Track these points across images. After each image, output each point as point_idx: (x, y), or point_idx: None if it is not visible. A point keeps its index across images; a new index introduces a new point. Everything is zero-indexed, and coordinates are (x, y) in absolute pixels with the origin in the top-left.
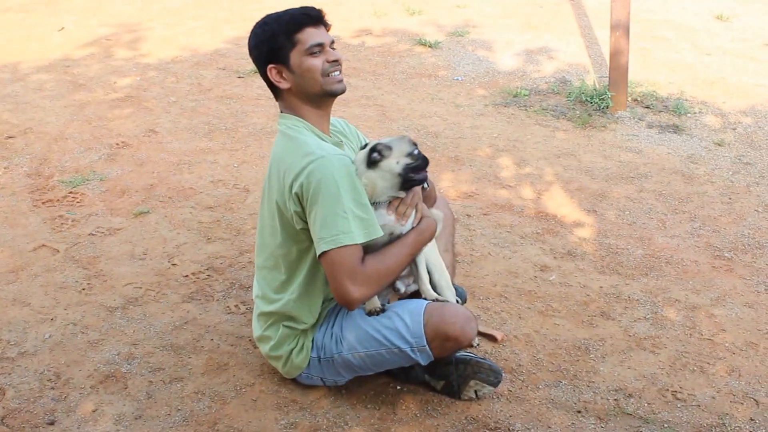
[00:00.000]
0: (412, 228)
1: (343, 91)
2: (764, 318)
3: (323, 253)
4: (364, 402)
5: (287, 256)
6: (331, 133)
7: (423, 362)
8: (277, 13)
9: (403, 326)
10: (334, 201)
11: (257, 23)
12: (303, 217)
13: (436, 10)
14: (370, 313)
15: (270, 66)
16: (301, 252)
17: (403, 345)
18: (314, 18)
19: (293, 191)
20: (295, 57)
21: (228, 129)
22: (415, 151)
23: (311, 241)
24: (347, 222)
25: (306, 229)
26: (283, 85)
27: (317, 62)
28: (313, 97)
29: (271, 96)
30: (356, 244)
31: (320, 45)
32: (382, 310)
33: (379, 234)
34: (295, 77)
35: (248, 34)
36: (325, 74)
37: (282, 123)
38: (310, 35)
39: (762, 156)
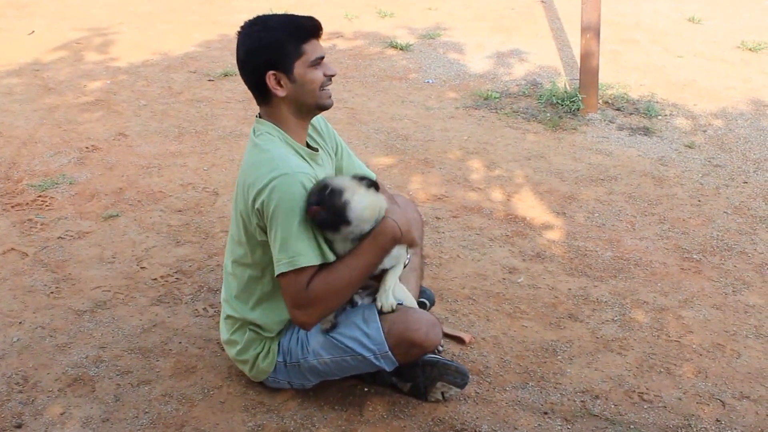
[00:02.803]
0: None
1: (331, 106)
2: (732, 320)
3: (280, 276)
4: (331, 404)
5: (251, 268)
6: (308, 136)
7: (388, 368)
8: (277, 16)
9: (363, 335)
10: (291, 221)
11: (254, 26)
12: (266, 231)
13: (407, 13)
14: (326, 331)
15: (270, 72)
16: (264, 266)
17: (365, 353)
18: (319, 29)
19: (255, 207)
20: (299, 67)
21: (198, 132)
22: None
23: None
24: (301, 242)
25: (267, 243)
26: (280, 93)
27: (319, 75)
28: (304, 109)
29: (242, 99)
30: (312, 266)
31: (322, 58)
32: (335, 326)
33: (328, 259)
34: (294, 87)
35: (238, 35)
36: (322, 88)
37: (257, 128)
38: (315, 47)
39: (732, 158)
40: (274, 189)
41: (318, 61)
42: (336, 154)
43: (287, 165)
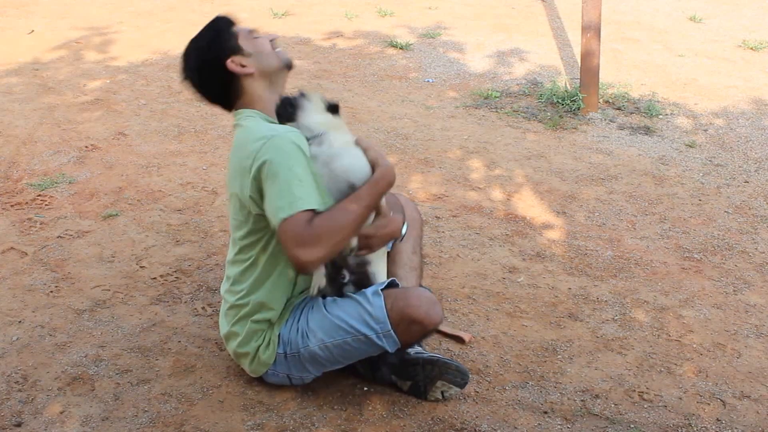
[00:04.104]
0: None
1: (293, 62)
2: (732, 319)
3: (281, 222)
4: (330, 403)
5: (253, 246)
6: None
7: (390, 349)
8: (193, 38)
9: (366, 313)
10: (288, 171)
11: (185, 55)
12: (259, 202)
13: (407, 12)
14: (314, 296)
15: (230, 59)
16: (265, 240)
17: (368, 331)
18: (233, 20)
19: (252, 174)
20: (243, 43)
21: (197, 131)
22: None
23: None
24: (302, 188)
25: (263, 215)
26: (249, 70)
27: (263, 40)
28: (274, 75)
29: None
30: (312, 210)
31: (253, 30)
32: (322, 292)
33: (329, 205)
34: (255, 59)
35: (180, 62)
36: (274, 49)
37: (236, 119)
38: (240, 27)
39: (733, 157)
40: (266, 151)
41: (253, 33)
42: None
43: (273, 130)
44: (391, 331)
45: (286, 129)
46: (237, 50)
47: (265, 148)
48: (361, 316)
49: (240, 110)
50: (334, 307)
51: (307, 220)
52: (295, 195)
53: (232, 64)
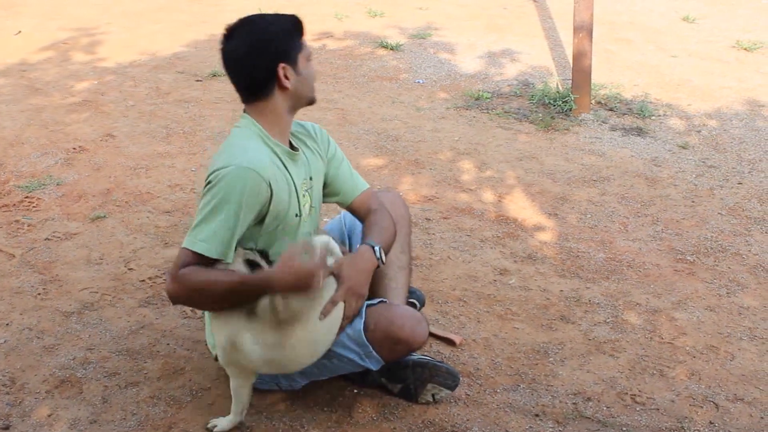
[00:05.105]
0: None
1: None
2: (725, 321)
3: (181, 247)
4: (320, 405)
5: None
6: (297, 138)
7: (374, 367)
8: (268, 15)
9: (346, 337)
10: (217, 209)
11: (252, 23)
12: None
13: (398, 13)
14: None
15: (282, 64)
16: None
17: (350, 354)
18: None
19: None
20: (300, 61)
21: (186, 133)
22: None
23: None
24: (212, 232)
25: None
26: (287, 84)
27: (315, 68)
28: (299, 103)
29: (231, 100)
30: (206, 256)
31: (311, 53)
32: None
33: (227, 261)
34: (298, 80)
35: (228, 33)
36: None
37: (241, 118)
38: (306, 43)
39: (726, 159)
40: (219, 176)
41: (311, 56)
42: (330, 160)
43: (244, 157)
44: (373, 352)
45: (253, 160)
46: (293, 62)
47: (219, 172)
48: (341, 340)
49: (245, 116)
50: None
51: (190, 262)
52: (206, 235)
53: (282, 69)
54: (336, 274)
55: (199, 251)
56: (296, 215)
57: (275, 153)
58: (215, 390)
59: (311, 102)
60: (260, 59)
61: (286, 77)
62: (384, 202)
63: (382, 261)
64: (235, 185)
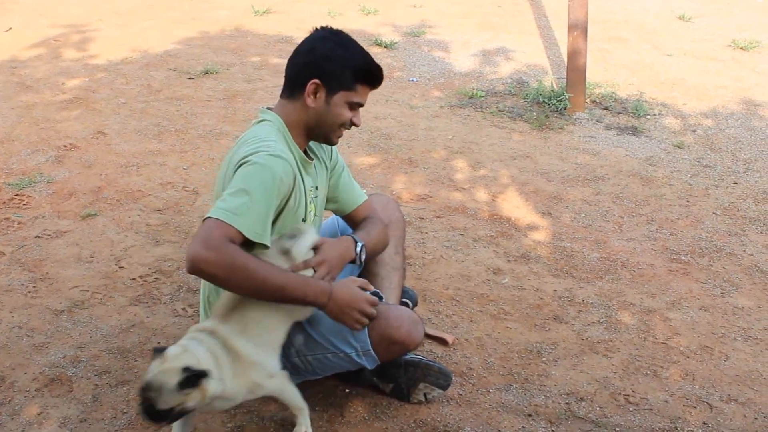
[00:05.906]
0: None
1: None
2: (719, 322)
3: (210, 218)
4: (312, 405)
5: None
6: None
7: (369, 366)
8: (352, 44)
9: (347, 330)
10: (252, 187)
11: (338, 36)
12: None
13: (392, 10)
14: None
15: (316, 81)
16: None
17: (348, 349)
18: (379, 83)
19: (233, 170)
20: (339, 97)
21: (177, 131)
22: None
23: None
24: (249, 211)
25: None
26: (309, 102)
27: (348, 115)
28: (315, 131)
29: (222, 98)
30: (243, 235)
31: (361, 105)
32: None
33: (264, 242)
34: (323, 108)
35: (315, 32)
36: (341, 127)
37: (261, 116)
38: (364, 94)
39: (722, 158)
40: (253, 159)
41: (356, 106)
42: (333, 169)
43: (276, 147)
44: (371, 350)
45: (284, 152)
46: (330, 90)
47: (254, 157)
48: (342, 333)
49: (269, 111)
50: (316, 323)
51: (229, 237)
52: (242, 211)
53: (314, 85)
54: (315, 248)
55: (238, 228)
56: (302, 220)
57: (294, 156)
58: None
59: (327, 141)
60: (307, 63)
61: (315, 96)
62: (377, 207)
63: (360, 258)
64: (272, 167)
